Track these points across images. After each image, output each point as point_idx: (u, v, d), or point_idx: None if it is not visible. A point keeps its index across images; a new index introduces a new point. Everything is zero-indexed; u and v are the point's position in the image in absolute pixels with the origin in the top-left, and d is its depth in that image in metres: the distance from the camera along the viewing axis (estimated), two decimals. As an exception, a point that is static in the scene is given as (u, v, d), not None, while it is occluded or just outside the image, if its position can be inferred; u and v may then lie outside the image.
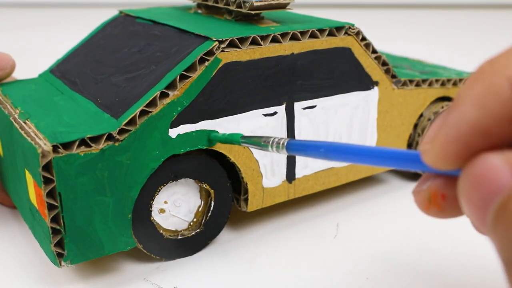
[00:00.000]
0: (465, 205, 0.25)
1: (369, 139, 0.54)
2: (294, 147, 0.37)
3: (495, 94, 0.23)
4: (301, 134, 0.49)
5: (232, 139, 0.43)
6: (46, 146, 0.38)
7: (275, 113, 0.48)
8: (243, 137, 0.42)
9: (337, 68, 0.50)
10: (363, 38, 0.51)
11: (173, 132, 0.43)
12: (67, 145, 0.38)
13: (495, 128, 0.23)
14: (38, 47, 1.26)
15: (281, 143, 0.38)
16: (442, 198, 0.28)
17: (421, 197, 0.29)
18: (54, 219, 0.39)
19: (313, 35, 0.48)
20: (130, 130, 0.41)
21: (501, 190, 0.23)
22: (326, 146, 0.34)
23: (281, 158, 0.49)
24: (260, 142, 0.40)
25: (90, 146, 0.39)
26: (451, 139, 0.24)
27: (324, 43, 0.49)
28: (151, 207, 0.44)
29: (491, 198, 0.23)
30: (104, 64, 0.50)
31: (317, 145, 0.35)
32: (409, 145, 0.58)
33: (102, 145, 0.39)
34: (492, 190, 0.23)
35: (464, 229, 0.52)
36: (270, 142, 0.39)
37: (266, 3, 0.48)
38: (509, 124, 0.23)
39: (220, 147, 0.45)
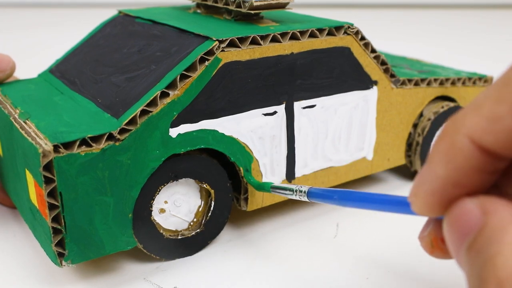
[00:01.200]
0: (448, 244, 0.28)
1: (368, 138, 0.55)
2: (313, 195, 0.42)
3: (458, 150, 0.26)
4: (300, 133, 0.50)
5: (264, 187, 0.47)
6: (47, 146, 0.38)
7: (275, 112, 0.48)
8: (273, 186, 0.46)
9: (337, 68, 0.50)
10: (362, 38, 0.51)
11: (174, 132, 0.43)
12: (67, 145, 0.38)
13: (464, 178, 0.26)
14: (38, 47, 1.26)
15: (303, 191, 0.43)
16: (442, 242, 0.31)
17: (425, 242, 0.32)
18: (55, 219, 0.39)
19: (312, 35, 0.48)
20: (130, 130, 0.41)
21: (471, 231, 0.26)
22: (339, 193, 0.38)
23: (281, 157, 0.49)
24: (286, 190, 0.45)
25: (90, 146, 0.39)
26: (428, 193, 0.28)
27: (323, 42, 0.49)
28: (151, 207, 0.44)
29: (463, 239, 0.27)
30: (103, 64, 0.50)
31: (331, 194, 0.39)
32: (409, 145, 0.59)
33: (102, 144, 0.40)
34: (464, 231, 0.27)
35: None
36: (294, 190, 0.44)
37: (265, 3, 0.48)
38: (476, 174, 0.26)
39: (220, 147, 0.45)
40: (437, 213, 0.28)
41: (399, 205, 0.33)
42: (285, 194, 0.45)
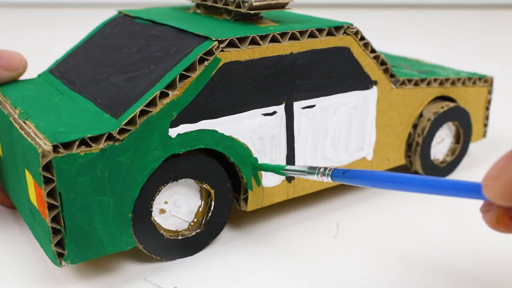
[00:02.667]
0: None
1: (368, 138, 0.55)
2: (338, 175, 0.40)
3: None
4: (300, 133, 0.50)
5: (274, 169, 0.46)
6: (47, 146, 0.38)
7: (274, 112, 0.48)
8: (285, 168, 0.45)
9: (336, 68, 0.50)
10: (362, 38, 0.51)
11: (173, 132, 0.43)
12: (67, 145, 0.38)
13: None
14: (37, 47, 1.26)
15: (326, 172, 0.41)
16: (510, 219, 0.31)
17: (490, 216, 0.32)
18: (55, 219, 0.39)
19: (312, 35, 0.48)
20: (130, 130, 0.41)
21: None
22: (374, 176, 0.37)
23: (281, 157, 0.49)
24: (305, 171, 0.44)
25: (90, 146, 0.39)
26: (510, 183, 0.28)
27: (323, 42, 0.49)
28: (151, 207, 0.44)
29: None
30: (103, 64, 0.50)
31: (375, 175, 0.37)
32: (409, 145, 0.59)
33: (102, 144, 0.40)
34: None
35: (464, 229, 0.52)
36: (315, 172, 0.42)
37: (265, 3, 0.48)
38: None
39: (219, 147, 0.45)
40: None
41: (459, 189, 0.32)
42: (303, 175, 0.44)
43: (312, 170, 0.43)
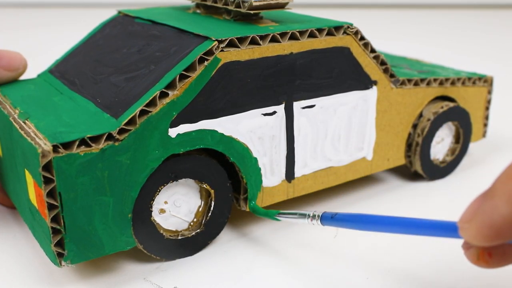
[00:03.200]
0: None
1: (368, 138, 0.55)
2: (327, 222, 0.43)
3: None
4: (300, 133, 0.50)
5: (268, 215, 0.48)
6: (46, 146, 0.38)
7: (274, 112, 0.48)
8: (279, 213, 0.47)
9: (336, 68, 0.50)
10: (362, 38, 0.51)
11: (173, 132, 0.43)
12: (67, 145, 0.38)
13: None
14: (37, 47, 1.26)
15: (316, 215, 0.44)
16: (489, 256, 0.33)
17: (470, 253, 0.33)
18: (54, 219, 0.39)
19: (312, 35, 0.48)
20: (130, 130, 0.41)
21: None
22: (360, 218, 0.40)
23: (280, 157, 0.49)
24: (296, 215, 0.46)
25: (90, 146, 0.39)
26: (485, 225, 0.28)
27: (323, 42, 0.49)
28: (151, 207, 0.44)
29: None
30: (103, 64, 0.50)
31: (352, 218, 0.40)
32: (409, 145, 0.59)
33: (102, 144, 0.40)
34: None
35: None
36: (306, 216, 0.44)
37: (265, 2, 0.48)
38: None
39: (219, 147, 0.45)
40: (488, 243, 0.29)
41: (436, 229, 0.34)
42: (295, 218, 0.45)
43: (302, 215, 0.45)
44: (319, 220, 0.43)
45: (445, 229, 0.33)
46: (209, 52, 0.43)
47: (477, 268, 0.45)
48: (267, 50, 0.46)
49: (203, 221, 0.47)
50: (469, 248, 0.34)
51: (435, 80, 0.59)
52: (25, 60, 0.53)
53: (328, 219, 0.42)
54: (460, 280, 0.44)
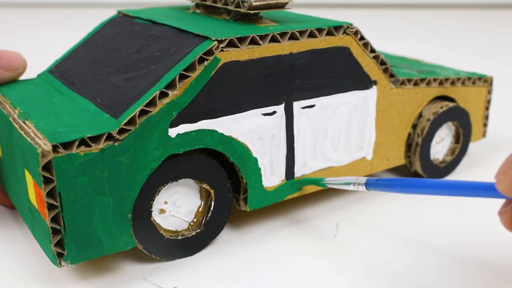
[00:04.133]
0: None
1: (368, 138, 0.55)
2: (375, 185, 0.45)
3: None
4: (300, 133, 0.49)
5: (316, 182, 0.51)
6: (46, 146, 0.38)
7: (274, 112, 0.48)
8: (326, 180, 0.50)
9: (336, 68, 0.50)
10: (362, 38, 0.51)
11: (173, 132, 0.43)
12: (67, 145, 0.38)
13: None
14: (37, 47, 1.26)
15: (361, 182, 0.46)
16: None
17: (506, 217, 0.34)
18: (54, 219, 0.39)
19: (311, 35, 0.48)
20: (129, 130, 0.41)
21: None
22: (403, 182, 0.42)
23: (280, 157, 0.49)
24: (342, 182, 0.48)
25: (90, 146, 0.39)
26: None
27: (322, 42, 0.49)
28: (151, 207, 0.44)
29: None
30: (103, 64, 0.50)
31: (395, 183, 0.43)
32: (409, 145, 0.59)
33: (102, 144, 0.39)
34: None
35: (465, 229, 0.52)
36: (352, 184, 0.46)
37: (264, 2, 0.48)
38: None
39: (219, 147, 0.45)
40: None
41: (475, 189, 0.35)
42: (342, 186, 0.48)
43: (348, 182, 0.47)
44: (363, 186, 0.45)
45: (484, 188, 0.34)
46: (209, 52, 0.43)
47: (477, 268, 0.45)
48: (266, 50, 0.46)
49: (203, 221, 0.47)
50: (505, 213, 0.34)
51: (435, 80, 0.59)
52: (24, 60, 0.53)
53: (373, 184, 0.44)
54: (461, 280, 0.44)
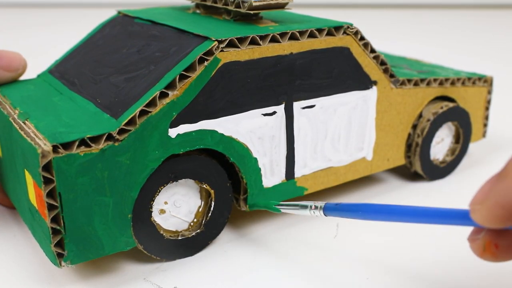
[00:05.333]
0: None
1: (368, 138, 0.55)
2: (332, 210, 0.42)
3: None
4: (300, 133, 0.49)
5: (268, 207, 0.48)
6: (46, 146, 0.38)
7: (274, 112, 0.48)
8: (279, 204, 0.47)
9: (336, 68, 0.50)
10: (362, 38, 0.51)
11: (173, 132, 0.43)
12: (67, 145, 0.38)
13: None
14: (37, 47, 1.26)
15: (318, 206, 0.43)
16: (496, 247, 0.32)
17: (476, 245, 0.33)
18: (54, 219, 0.39)
19: (311, 35, 0.48)
20: (130, 130, 0.41)
21: None
22: (365, 208, 0.39)
23: (280, 157, 0.49)
24: (298, 206, 0.45)
25: (90, 146, 0.39)
26: (498, 206, 0.28)
27: (322, 42, 0.49)
28: (151, 208, 0.44)
29: None
30: (103, 65, 0.50)
31: (356, 208, 0.40)
32: (409, 146, 0.59)
33: (102, 145, 0.39)
34: None
35: (465, 229, 0.52)
36: (308, 207, 0.44)
37: (264, 3, 0.48)
38: None
39: (219, 147, 0.45)
40: (499, 225, 0.29)
41: (446, 217, 0.34)
42: (296, 209, 0.45)
43: (304, 206, 0.44)
44: (321, 211, 0.42)
45: (456, 217, 0.33)
46: (209, 52, 0.43)
47: (478, 269, 0.45)
48: (267, 50, 0.46)
49: (203, 221, 0.47)
50: (475, 240, 0.33)
51: (435, 80, 0.59)
52: (24, 61, 0.53)
53: (332, 209, 0.42)
54: (461, 280, 0.44)
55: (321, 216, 0.43)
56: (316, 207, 0.43)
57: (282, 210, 0.46)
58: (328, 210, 0.42)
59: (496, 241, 0.32)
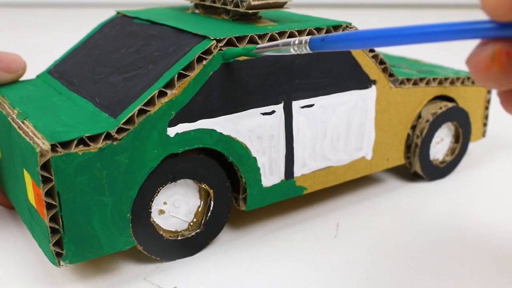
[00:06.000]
0: None
1: (367, 138, 0.54)
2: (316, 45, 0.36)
3: None
4: (299, 132, 0.49)
5: (247, 52, 0.43)
6: (45, 145, 0.38)
7: (273, 112, 0.48)
8: (258, 48, 0.42)
9: (335, 67, 0.50)
10: (361, 37, 0.51)
11: (172, 131, 0.43)
12: (65, 144, 0.38)
13: None
14: (36, 48, 1.26)
15: (303, 41, 0.37)
16: (507, 55, 0.28)
17: (482, 56, 0.28)
18: (53, 219, 0.39)
19: (310, 34, 0.48)
20: (128, 129, 0.41)
21: None
22: (355, 36, 0.32)
23: (279, 157, 0.49)
24: (279, 48, 0.40)
25: (88, 145, 0.39)
26: None
27: (322, 42, 0.49)
28: (150, 208, 0.44)
29: None
30: (101, 64, 0.50)
31: (348, 37, 0.33)
32: (408, 147, 0.58)
33: (100, 144, 0.39)
34: None
35: (465, 230, 0.52)
36: (291, 44, 0.38)
37: (263, 2, 0.48)
38: None
39: (218, 146, 0.45)
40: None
41: (438, 32, 0.29)
42: (278, 51, 0.40)
43: (286, 43, 0.39)
44: (307, 46, 0.37)
45: (458, 27, 0.28)
46: (208, 51, 0.43)
47: (478, 269, 0.45)
48: (265, 49, 0.46)
49: (203, 221, 0.47)
50: (480, 53, 0.29)
51: (434, 79, 0.58)
52: (24, 62, 0.53)
53: (318, 42, 0.36)
54: (461, 280, 0.44)
55: (307, 51, 0.37)
56: (300, 42, 0.38)
57: (263, 54, 0.42)
58: (314, 44, 0.36)
59: (509, 49, 0.28)
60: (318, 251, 0.48)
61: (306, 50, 0.37)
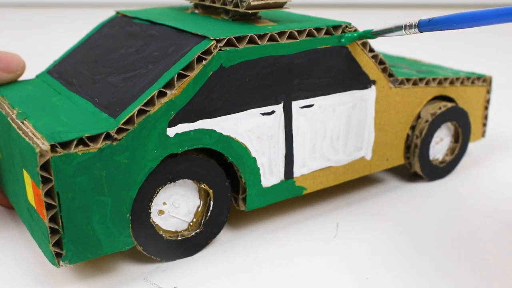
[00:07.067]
0: None
1: (367, 138, 0.54)
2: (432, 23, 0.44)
3: None
4: (298, 133, 0.49)
5: (365, 34, 0.50)
6: (44, 145, 0.37)
7: (272, 112, 0.48)
8: (374, 31, 0.49)
9: (334, 67, 0.50)
10: (361, 37, 0.51)
11: (171, 131, 0.43)
12: (65, 145, 0.38)
13: None
14: (35, 48, 1.26)
15: (412, 24, 0.45)
16: None
17: None
18: (52, 219, 0.39)
19: (310, 34, 0.48)
20: (128, 129, 0.41)
21: None
22: (458, 19, 0.42)
23: (279, 157, 0.49)
24: (393, 30, 0.47)
25: (88, 146, 0.39)
26: None
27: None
28: (150, 209, 0.44)
29: None
30: (101, 65, 0.50)
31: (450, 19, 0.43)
32: (408, 147, 0.58)
33: (100, 144, 0.39)
34: None
35: (465, 230, 0.52)
36: (403, 27, 0.46)
37: (263, 2, 0.48)
38: None
39: (217, 146, 0.45)
40: None
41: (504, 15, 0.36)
42: (392, 33, 0.47)
43: (398, 27, 0.47)
44: (416, 28, 0.45)
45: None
46: (207, 51, 0.43)
47: (478, 269, 0.45)
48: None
49: (203, 221, 0.47)
50: None
51: (433, 79, 0.58)
52: (23, 62, 0.52)
53: (426, 23, 0.44)
54: (461, 280, 0.44)
55: (416, 32, 0.45)
56: (410, 26, 0.45)
57: (379, 36, 0.49)
58: (423, 25, 0.44)
59: None
60: (318, 251, 0.48)
61: (415, 31, 0.45)
